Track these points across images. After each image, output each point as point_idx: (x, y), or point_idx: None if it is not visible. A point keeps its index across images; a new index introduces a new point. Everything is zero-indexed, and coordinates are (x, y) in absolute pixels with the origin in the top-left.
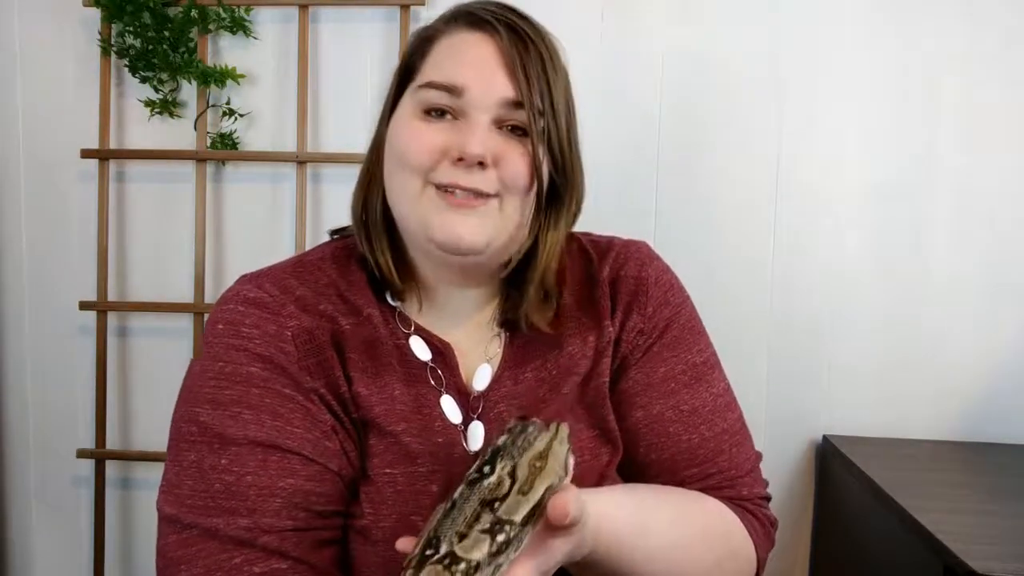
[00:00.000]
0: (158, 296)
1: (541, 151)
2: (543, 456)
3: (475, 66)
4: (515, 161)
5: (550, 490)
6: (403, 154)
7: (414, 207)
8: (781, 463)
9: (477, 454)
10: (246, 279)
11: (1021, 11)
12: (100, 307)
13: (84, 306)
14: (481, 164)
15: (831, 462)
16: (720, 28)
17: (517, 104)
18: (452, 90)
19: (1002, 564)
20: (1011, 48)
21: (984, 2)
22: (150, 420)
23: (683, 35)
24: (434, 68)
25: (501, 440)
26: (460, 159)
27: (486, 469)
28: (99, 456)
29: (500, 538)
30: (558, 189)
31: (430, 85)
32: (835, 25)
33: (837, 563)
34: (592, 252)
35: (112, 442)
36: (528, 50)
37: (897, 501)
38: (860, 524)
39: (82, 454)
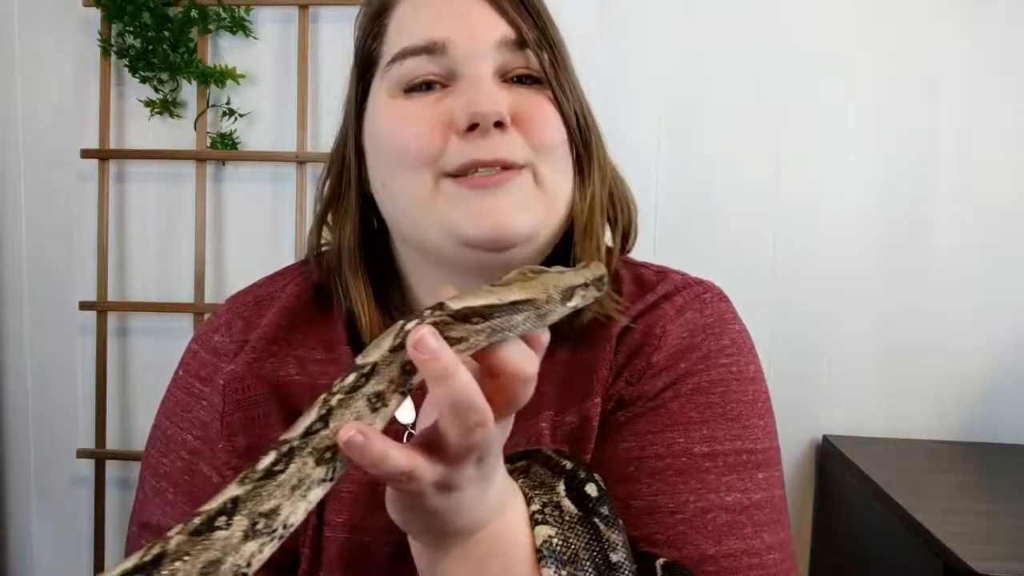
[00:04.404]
0: (158, 296)
1: (563, 93)
2: (540, 273)
3: (451, 13)
4: (538, 111)
5: (529, 305)
6: (397, 146)
7: (428, 211)
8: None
9: None
10: (228, 308)
11: (1021, 11)
12: (100, 307)
13: (84, 306)
14: (499, 125)
15: (831, 462)
16: (720, 28)
17: (517, 44)
18: (431, 49)
19: (1002, 564)
20: (1011, 47)
21: (984, 1)
22: (150, 420)
23: (683, 36)
24: (401, 37)
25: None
26: (472, 126)
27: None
28: (99, 456)
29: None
30: (578, 147)
31: (403, 54)
32: (835, 25)
33: (837, 563)
34: (624, 293)
35: (112, 442)
36: None
37: (897, 501)
38: (860, 524)
39: (82, 454)
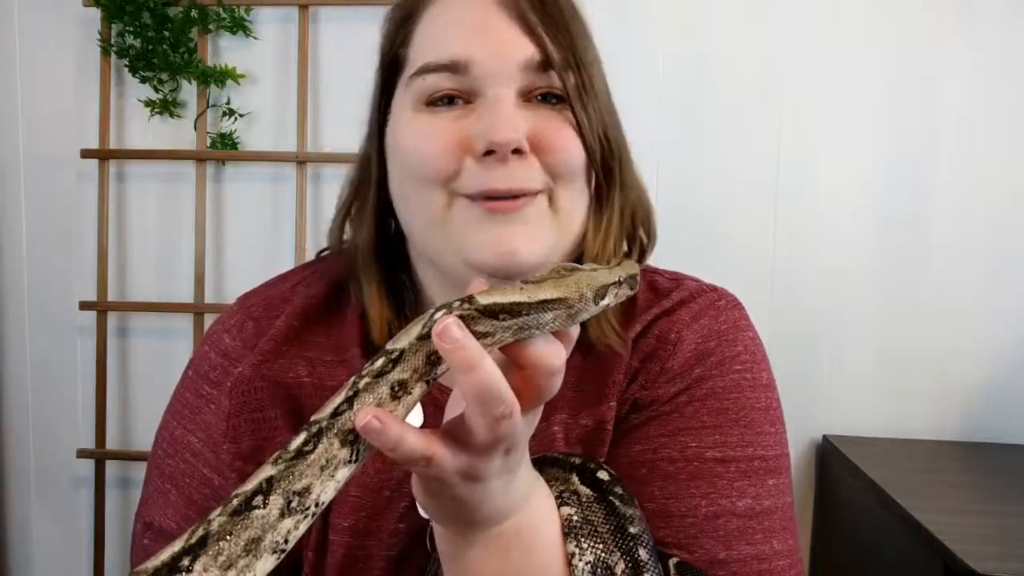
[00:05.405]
0: (158, 296)
1: (586, 116)
2: (573, 271)
3: (477, 30)
4: (560, 136)
5: (560, 304)
6: (413, 162)
7: (441, 230)
8: None
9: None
10: (239, 309)
11: (1019, 10)
12: (100, 307)
13: (84, 306)
14: (517, 152)
15: (831, 462)
16: (720, 28)
17: (543, 65)
18: (454, 67)
19: (1002, 564)
20: (1009, 46)
21: (984, 1)
22: (150, 420)
23: (683, 36)
24: (426, 49)
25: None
26: (489, 152)
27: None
28: (99, 456)
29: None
30: (602, 172)
31: (425, 70)
32: (834, 25)
33: (837, 563)
34: (639, 298)
35: (112, 442)
36: None
37: (897, 501)
38: (860, 524)
39: (82, 454)
